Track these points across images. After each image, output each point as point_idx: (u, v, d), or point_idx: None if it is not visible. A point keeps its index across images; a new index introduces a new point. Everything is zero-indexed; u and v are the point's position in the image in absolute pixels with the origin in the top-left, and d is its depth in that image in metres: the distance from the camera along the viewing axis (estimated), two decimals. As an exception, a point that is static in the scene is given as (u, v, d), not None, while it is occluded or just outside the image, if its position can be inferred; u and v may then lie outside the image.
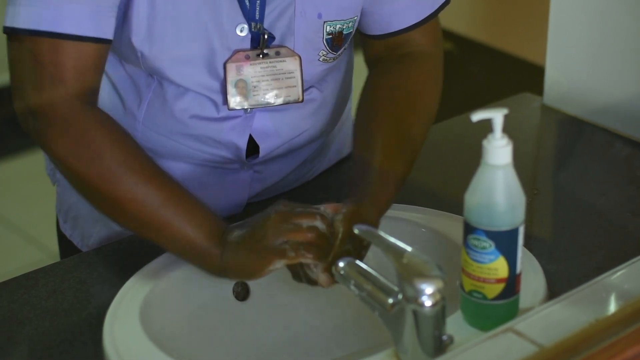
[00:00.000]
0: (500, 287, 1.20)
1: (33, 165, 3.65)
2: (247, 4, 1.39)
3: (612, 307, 1.21)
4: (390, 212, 1.43)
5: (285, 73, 1.45)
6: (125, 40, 1.39)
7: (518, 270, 1.20)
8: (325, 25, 1.45)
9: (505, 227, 1.17)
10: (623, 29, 1.74)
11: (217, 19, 1.39)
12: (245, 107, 1.45)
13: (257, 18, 1.40)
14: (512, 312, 1.22)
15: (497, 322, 1.18)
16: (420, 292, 1.11)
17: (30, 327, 1.33)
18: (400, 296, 1.14)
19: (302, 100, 1.47)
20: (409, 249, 1.15)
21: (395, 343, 1.17)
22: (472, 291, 1.21)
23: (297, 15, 1.42)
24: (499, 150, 1.15)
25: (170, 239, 1.32)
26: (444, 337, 1.15)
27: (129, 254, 1.47)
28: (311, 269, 1.28)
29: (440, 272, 1.12)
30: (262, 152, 1.51)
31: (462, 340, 1.17)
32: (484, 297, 1.20)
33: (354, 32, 1.50)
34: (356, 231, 1.22)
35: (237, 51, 1.42)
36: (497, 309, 1.21)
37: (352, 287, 1.20)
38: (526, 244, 1.26)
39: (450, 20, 3.26)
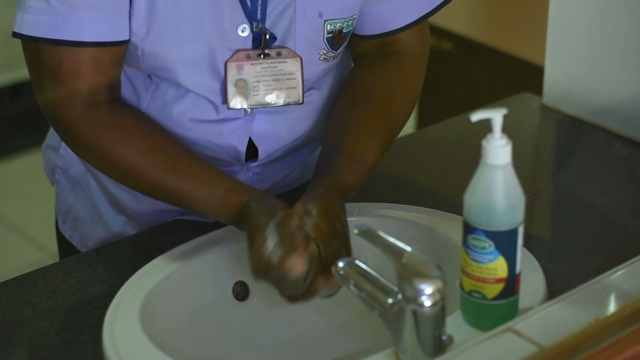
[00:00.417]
0: (499, 287, 1.20)
1: (33, 165, 3.65)
2: (249, 3, 1.39)
3: (612, 307, 1.21)
4: (390, 212, 1.44)
5: (286, 74, 1.44)
6: (126, 39, 1.40)
7: (517, 270, 1.20)
8: (326, 24, 1.45)
9: (504, 227, 1.17)
10: (622, 29, 1.74)
11: (219, 19, 1.39)
12: (245, 107, 1.45)
13: (258, 18, 1.40)
14: (512, 312, 1.22)
15: (497, 322, 1.18)
16: (419, 292, 1.11)
17: (30, 327, 1.33)
18: (399, 296, 1.14)
19: (302, 102, 1.47)
20: (408, 249, 1.15)
21: (395, 343, 1.17)
22: (471, 291, 1.21)
23: (298, 15, 1.42)
24: (498, 150, 1.15)
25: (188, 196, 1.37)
26: (444, 337, 1.15)
27: (129, 254, 1.47)
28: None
29: (440, 272, 1.12)
30: (261, 155, 1.51)
31: (461, 340, 1.17)
32: (484, 297, 1.20)
33: (351, 31, 1.50)
34: (355, 232, 1.21)
35: (238, 51, 1.42)
36: (496, 309, 1.21)
37: (352, 287, 1.20)
38: (526, 244, 1.26)
39: (450, 20, 3.26)
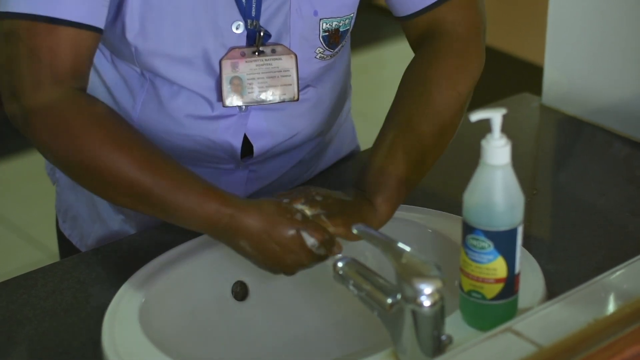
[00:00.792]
0: (499, 287, 1.20)
1: (33, 165, 3.65)
2: (243, 1, 1.39)
3: (611, 307, 1.21)
4: (389, 212, 1.43)
5: (281, 71, 1.44)
6: (119, 35, 1.39)
7: (517, 270, 1.20)
8: (321, 23, 1.45)
9: (504, 227, 1.17)
10: (622, 29, 1.74)
11: (213, 16, 1.39)
12: (240, 105, 1.45)
13: (253, 15, 1.40)
14: (511, 312, 1.22)
15: (496, 322, 1.18)
16: (419, 292, 1.11)
17: (29, 327, 1.33)
18: (399, 296, 1.14)
19: (298, 99, 1.46)
20: (407, 249, 1.15)
21: (394, 343, 1.17)
22: (471, 291, 1.21)
23: (292, 13, 1.42)
24: (497, 150, 1.15)
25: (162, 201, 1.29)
26: (443, 337, 1.15)
27: (128, 254, 1.47)
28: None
29: (439, 272, 1.12)
30: (256, 152, 1.51)
31: (461, 340, 1.17)
32: (483, 297, 1.20)
33: (351, 29, 1.50)
34: (355, 231, 1.22)
35: (232, 48, 1.42)
36: (496, 309, 1.21)
37: (351, 287, 1.20)
38: (525, 244, 1.26)
39: (449, 20, 3.25)
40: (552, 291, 1.31)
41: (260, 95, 1.45)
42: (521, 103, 1.91)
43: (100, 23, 1.33)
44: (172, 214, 1.30)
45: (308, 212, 1.29)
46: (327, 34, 1.46)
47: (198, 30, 1.39)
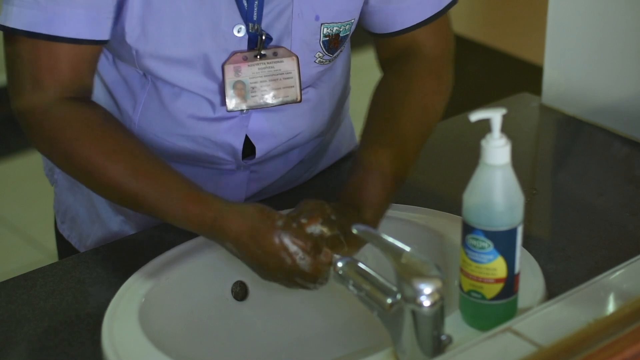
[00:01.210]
0: (498, 287, 1.20)
1: (32, 165, 3.65)
2: (245, 4, 1.39)
3: (611, 307, 1.21)
4: (389, 212, 1.43)
5: (283, 74, 1.44)
6: (119, 39, 1.39)
7: (517, 270, 1.20)
8: (322, 28, 1.45)
9: (503, 227, 1.17)
10: (622, 29, 1.74)
11: (215, 20, 1.39)
12: (244, 109, 1.45)
13: (254, 19, 1.40)
14: (511, 312, 1.22)
15: (496, 322, 1.18)
16: (418, 292, 1.11)
17: (28, 327, 1.33)
18: (398, 296, 1.14)
19: (300, 101, 1.47)
20: (407, 248, 1.15)
21: (394, 343, 1.17)
22: (470, 291, 1.21)
23: (294, 17, 1.42)
24: (497, 150, 1.15)
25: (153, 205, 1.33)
26: (443, 337, 1.15)
27: (128, 254, 1.47)
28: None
29: (439, 272, 1.12)
30: (258, 153, 1.51)
31: (460, 340, 1.17)
32: (483, 297, 1.20)
33: (350, 35, 1.50)
34: (355, 231, 1.21)
35: (234, 52, 1.42)
36: (495, 309, 1.21)
37: (351, 287, 1.20)
38: (525, 244, 1.26)
39: (449, 20, 3.25)
40: (552, 291, 1.31)
41: (263, 98, 1.45)
42: (521, 103, 1.90)
43: (101, 35, 1.36)
44: (163, 217, 1.34)
45: (327, 232, 1.28)
46: (327, 38, 1.46)
47: (199, 33, 1.39)
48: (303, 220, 1.28)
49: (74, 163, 1.35)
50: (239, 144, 1.49)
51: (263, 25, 1.41)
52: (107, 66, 1.47)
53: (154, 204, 1.33)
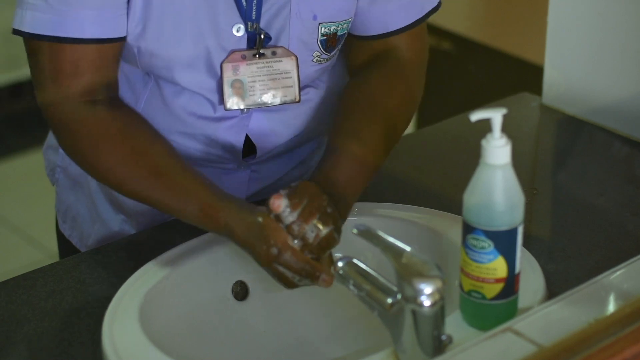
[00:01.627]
0: (499, 286, 1.20)
1: (33, 165, 3.65)
2: (244, 3, 1.39)
3: (611, 307, 1.21)
4: (389, 212, 1.43)
5: (281, 73, 1.44)
6: (121, 37, 1.40)
7: (517, 270, 1.20)
8: (320, 27, 1.45)
9: (504, 227, 1.17)
10: (622, 29, 1.74)
11: (214, 19, 1.39)
12: (242, 108, 1.45)
13: (253, 18, 1.40)
14: (511, 311, 1.22)
15: (496, 321, 1.18)
16: (419, 292, 1.11)
17: (29, 327, 1.33)
18: (399, 296, 1.14)
19: (299, 101, 1.47)
20: (408, 248, 1.15)
21: (394, 343, 1.17)
22: (471, 291, 1.21)
23: (292, 16, 1.42)
24: (497, 150, 1.15)
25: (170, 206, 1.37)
26: (443, 337, 1.15)
27: (128, 254, 1.47)
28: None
29: (439, 271, 1.12)
30: (259, 152, 1.51)
31: (461, 339, 1.17)
32: (483, 297, 1.20)
33: (347, 33, 1.50)
34: (355, 231, 1.21)
35: (233, 51, 1.42)
36: (496, 309, 1.21)
37: (351, 287, 1.20)
38: (525, 244, 1.26)
39: (449, 20, 3.26)
40: (552, 291, 1.31)
41: (261, 97, 1.45)
42: (521, 103, 1.91)
43: (121, 32, 1.37)
44: (181, 219, 1.37)
45: (322, 228, 1.28)
46: (325, 38, 1.46)
47: (199, 32, 1.39)
48: (298, 222, 1.28)
49: (96, 169, 1.40)
50: (239, 143, 1.49)
51: (262, 25, 1.41)
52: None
53: (173, 210, 1.37)
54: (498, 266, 1.18)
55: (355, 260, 1.22)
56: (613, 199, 1.60)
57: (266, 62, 1.43)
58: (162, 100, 1.46)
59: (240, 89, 1.44)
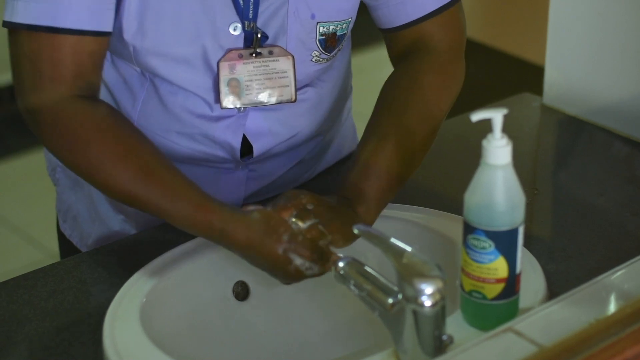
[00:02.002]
0: (500, 287, 1.20)
1: (33, 165, 3.66)
2: (241, 2, 1.39)
3: (612, 307, 1.21)
4: (390, 212, 1.43)
5: (278, 72, 1.44)
6: (117, 35, 1.39)
7: (518, 270, 1.20)
8: (318, 26, 1.45)
9: (505, 227, 1.17)
10: (622, 29, 1.74)
11: (211, 17, 1.39)
12: (238, 106, 1.45)
13: (250, 17, 1.40)
14: (512, 312, 1.22)
15: (497, 322, 1.18)
16: (420, 292, 1.11)
17: (29, 327, 1.33)
18: (400, 296, 1.14)
19: (295, 100, 1.46)
20: (408, 248, 1.15)
21: (395, 343, 1.17)
22: (472, 291, 1.21)
23: (290, 15, 1.42)
24: (498, 150, 1.15)
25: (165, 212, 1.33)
26: (444, 337, 1.15)
27: (129, 254, 1.47)
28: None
29: (440, 272, 1.12)
30: (256, 152, 1.51)
31: (462, 340, 1.17)
32: (484, 297, 1.20)
33: (348, 34, 1.50)
34: (355, 231, 1.21)
35: (230, 50, 1.42)
36: (497, 309, 1.21)
37: (352, 287, 1.20)
38: (526, 244, 1.26)
39: (449, 20, 3.25)
40: (553, 291, 1.31)
41: (257, 96, 1.45)
42: (522, 103, 1.90)
43: (103, 26, 1.34)
44: (170, 221, 1.34)
45: (301, 224, 1.28)
46: (323, 37, 1.46)
47: (196, 30, 1.39)
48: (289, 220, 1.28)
49: (82, 165, 1.34)
50: (236, 143, 1.49)
51: (259, 24, 1.41)
52: (106, 65, 1.46)
53: (162, 211, 1.32)
54: (499, 266, 1.18)
55: (356, 260, 1.22)
56: (613, 199, 1.60)
57: (263, 61, 1.43)
58: (158, 100, 1.46)
59: (237, 88, 1.44)
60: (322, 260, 1.27)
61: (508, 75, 3.30)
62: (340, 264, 1.22)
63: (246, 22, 1.41)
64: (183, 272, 1.38)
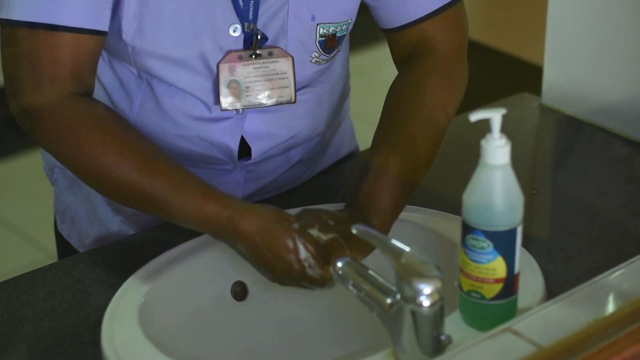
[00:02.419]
0: (498, 287, 1.20)
1: (32, 165, 3.66)
2: (241, 4, 1.39)
3: (611, 307, 1.21)
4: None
5: (278, 74, 1.44)
6: (115, 36, 1.39)
7: (516, 270, 1.20)
8: (318, 28, 1.45)
9: (503, 227, 1.17)
10: (622, 29, 1.74)
11: (210, 19, 1.39)
12: (238, 108, 1.45)
13: (250, 18, 1.40)
14: (511, 312, 1.22)
15: (496, 322, 1.18)
16: (418, 292, 1.11)
17: (28, 328, 1.33)
18: (398, 296, 1.14)
19: (295, 101, 1.46)
20: (407, 249, 1.15)
21: (394, 343, 1.17)
22: (470, 291, 1.21)
23: (290, 17, 1.42)
24: (497, 150, 1.15)
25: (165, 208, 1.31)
26: (443, 337, 1.15)
27: (127, 254, 1.47)
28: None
29: (439, 272, 1.12)
30: (254, 154, 1.51)
31: (460, 340, 1.17)
32: (483, 297, 1.20)
33: (347, 35, 1.50)
34: (354, 231, 1.21)
35: (229, 51, 1.41)
36: (495, 309, 1.21)
37: (351, 287, 1.20)
38: (524, 244, 1.26)
39: (449, 20, 3.25)
40: (552, 291, 1.31)
41: (257, 98, 1.45)
42: (521, 103, 1.90)
43: (101, 25, 1.33)
44: (174, 215, 1.31)
45: (324, 237, 1.28)
46: (323, 38, 1.46)
47: (196, 31, 1.39)
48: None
49: (82, 161, 1.32)
50: (234, 145, 1.49)
51: (259, 25, 1.41)
52: (103, 67, 1.47)
53: (167, 202, 1.30)
54: (497, 266, 1.18)
55: (354, 260, 1.22)
56: (613, 199, 1.60)
57: (262, 63, 1.43)
58: (155, 102, 1.45)
59: (237, 90, 1.43)
60: (324, 261, 1.26)
61: (507, 75, 3.30)
62: (339, 264, 1.22)
63: (246, 24, 1.41)
64: (181, 272, 1.38)
